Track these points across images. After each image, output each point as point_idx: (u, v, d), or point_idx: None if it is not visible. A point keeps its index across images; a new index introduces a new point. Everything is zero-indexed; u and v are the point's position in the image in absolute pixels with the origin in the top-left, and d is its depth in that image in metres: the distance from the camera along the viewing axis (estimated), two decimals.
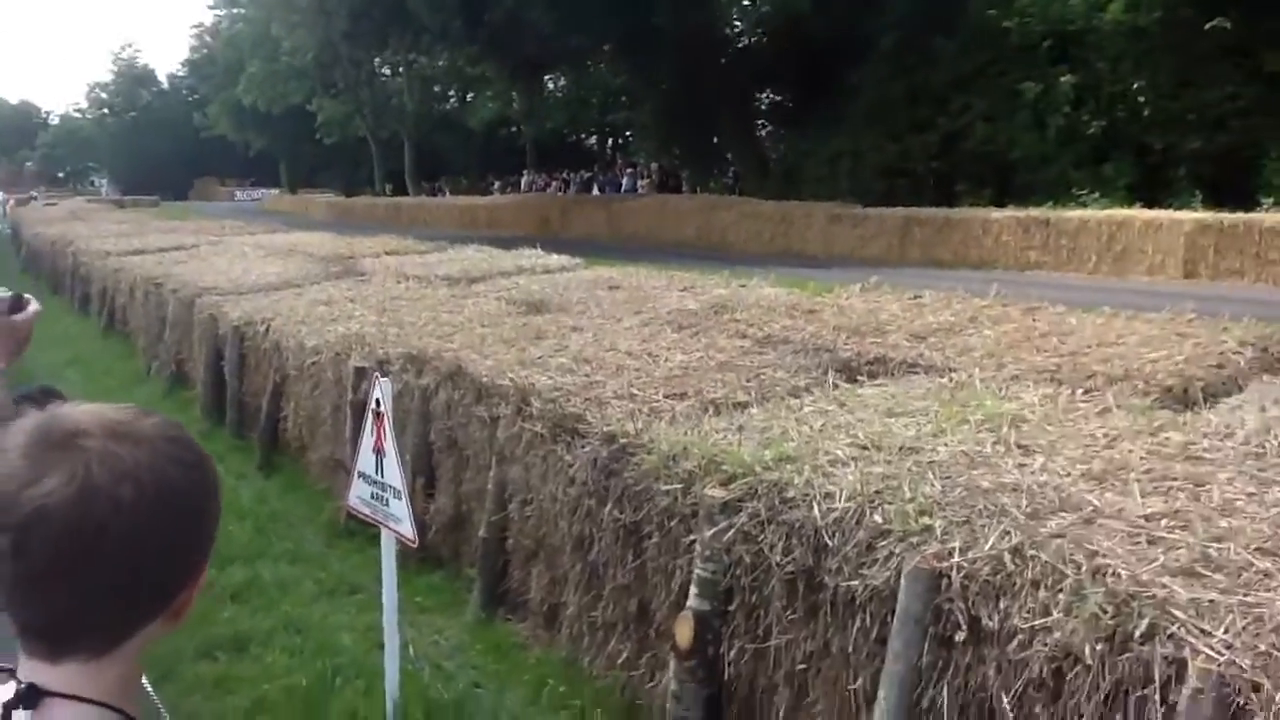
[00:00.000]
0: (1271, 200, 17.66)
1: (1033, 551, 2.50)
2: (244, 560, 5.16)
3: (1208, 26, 19.70)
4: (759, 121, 37.98)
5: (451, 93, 58.08)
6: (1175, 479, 2.92)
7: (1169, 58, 20.90)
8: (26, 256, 22.58)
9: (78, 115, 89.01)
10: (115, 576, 0.97)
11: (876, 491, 2.90)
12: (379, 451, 3.66)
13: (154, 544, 0.99)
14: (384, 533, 3.63)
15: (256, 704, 3.86)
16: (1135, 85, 21.87)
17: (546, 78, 46.51)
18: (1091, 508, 2.72)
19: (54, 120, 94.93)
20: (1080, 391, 3.89)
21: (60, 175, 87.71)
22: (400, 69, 50.52)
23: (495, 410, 4.48)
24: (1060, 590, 2.37)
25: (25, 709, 0.99)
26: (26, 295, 2.05)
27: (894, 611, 2.61)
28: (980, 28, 24.36)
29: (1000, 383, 4.03)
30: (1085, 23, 22.37)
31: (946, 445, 3.24)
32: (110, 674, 1.01)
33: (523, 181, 47.36)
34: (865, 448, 3.26)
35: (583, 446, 3.83)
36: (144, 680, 1.08)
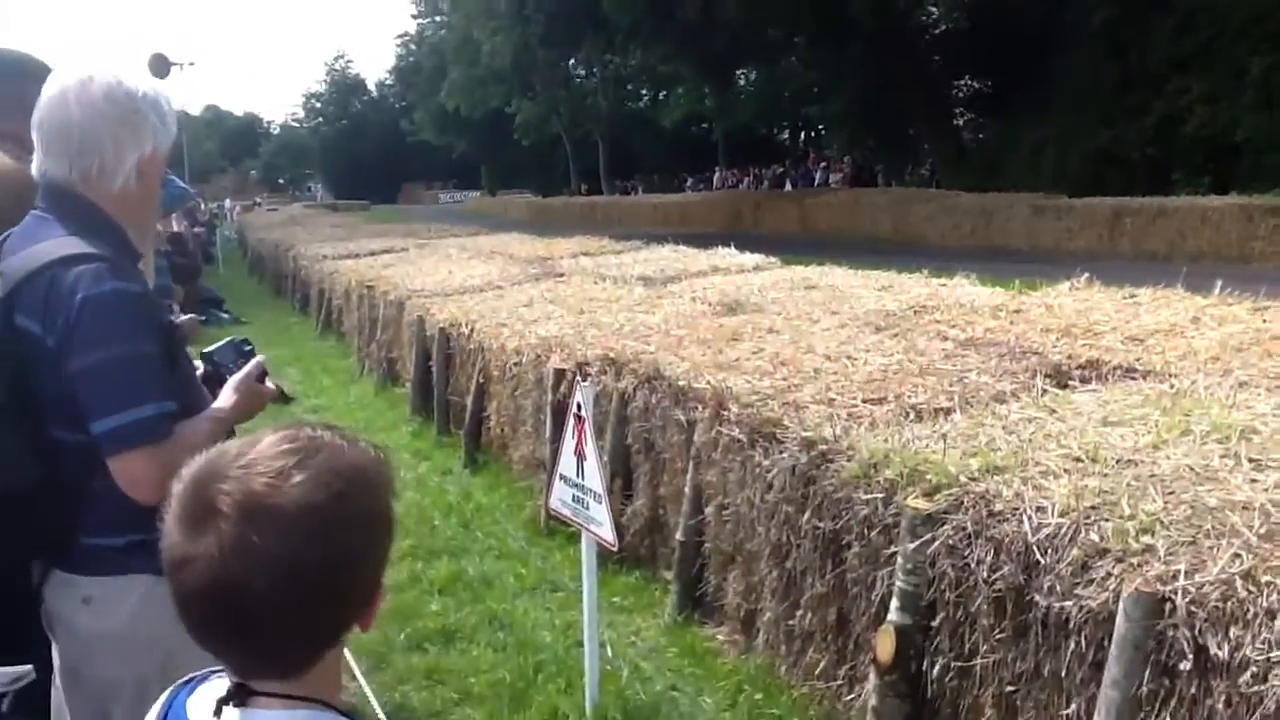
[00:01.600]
0: None
1: (1268, 577, 2.33)
2: (450, 554, 5.38)
3: None
4: (957, 110, 36.82)
5: (644, 91, 58.80)
6: None
7: None
8: (251, 260, 24.20)
9: (295, 125, 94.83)
10: (265, 641, 1.07)
11: (1092, 507, 2.76)
12: (580, 455, 3.74)
13: (297, 615, 1.06)
14: (584, 536, 3.71)
15: (464, 695, 4.01)
16: None
17: (738, 73, 46.45)
18: None
19: (275, 130, 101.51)
20: None
21: (280, 182, 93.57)
22: (594, 70, 51.51)
23: (692, 414, 4.51)
24: None
25: (235, 706, 1.10)
26: (250, 345, 2.32)
27: (1111, 636, 2.48)
28: (1202, 2, 22.75)
29: (1227, 390, 3.76)
30: None
31: (1169, 458, 3.05)
32: (308, 681, 1.11)
33: (715, 178, 47.51)
34: (1079, 459, 3.11)
35: (780, 452, 3.80)
36: (355, 669, 1.16)
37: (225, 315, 15.01)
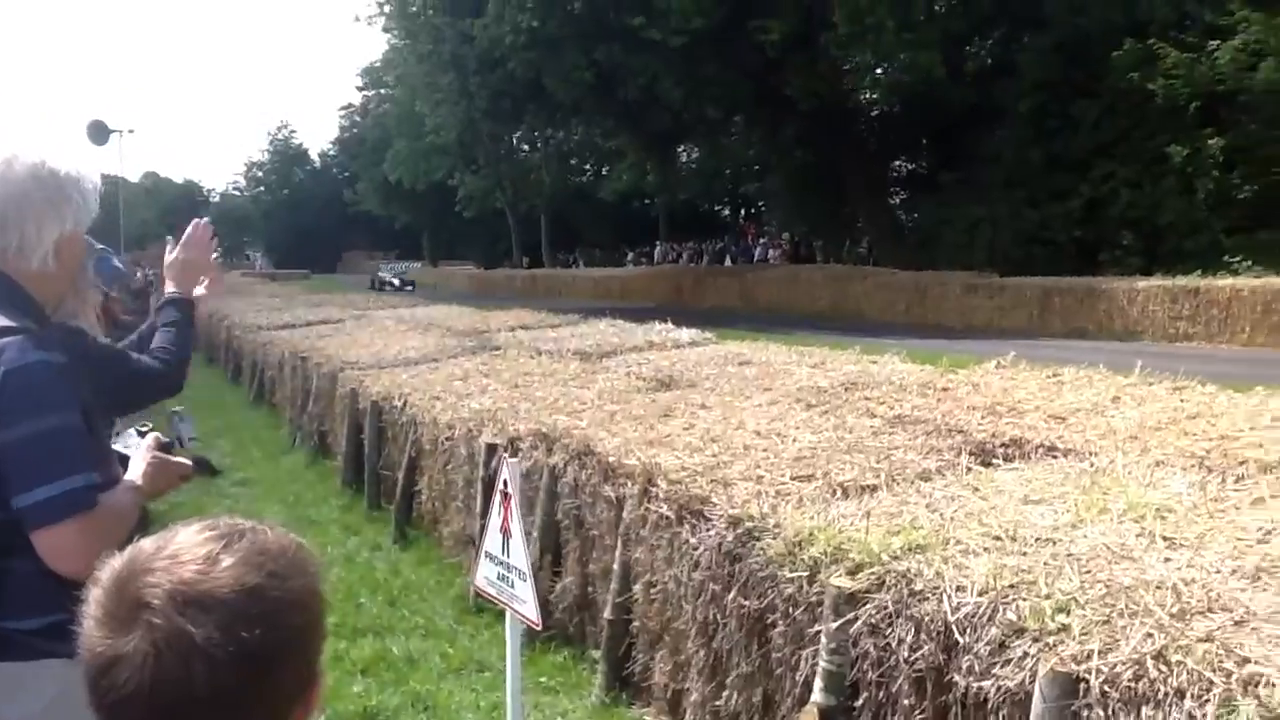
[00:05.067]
0: None
1: (1178, 657, 2.36)
2: (375, 633, 5.27)
3: None
4: (893, 189, 37.73)
5: (587, 166, 59.48)
6: None
7: None
8: None
9: (236, 193, 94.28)
10: None
11: (1011, 586, 2.79)
12: (505, 532, 3.70)
13: (238, 704, 0.97)
14: (508, 614, 3.66)
15: None
16: None
17: (680, 149, 47.20)
18: (1243, 609, 2.56)
19: (215, 198, 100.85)
20: (1232, 480, 3.69)
21: (220, 250, 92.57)
22: (538, 144, 52.02)
23: (621, 491, 4.50)
24: (1208, 701, 2.23)
25: None
26: (147, 427, 2.39)
27: (1028, 715, 2.49)
28: (1123, 91, 23.74)
29: (1144, 469, 3.84)
30: (1235, 84, 21.57)
31: (1086, 537, 3.10)
32: None
33: (656, 252, 48.02)
34: (999, 538, 3.14)
35: (708, 530, 3.80)
36: None
37: None
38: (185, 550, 1.00)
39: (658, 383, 6.75)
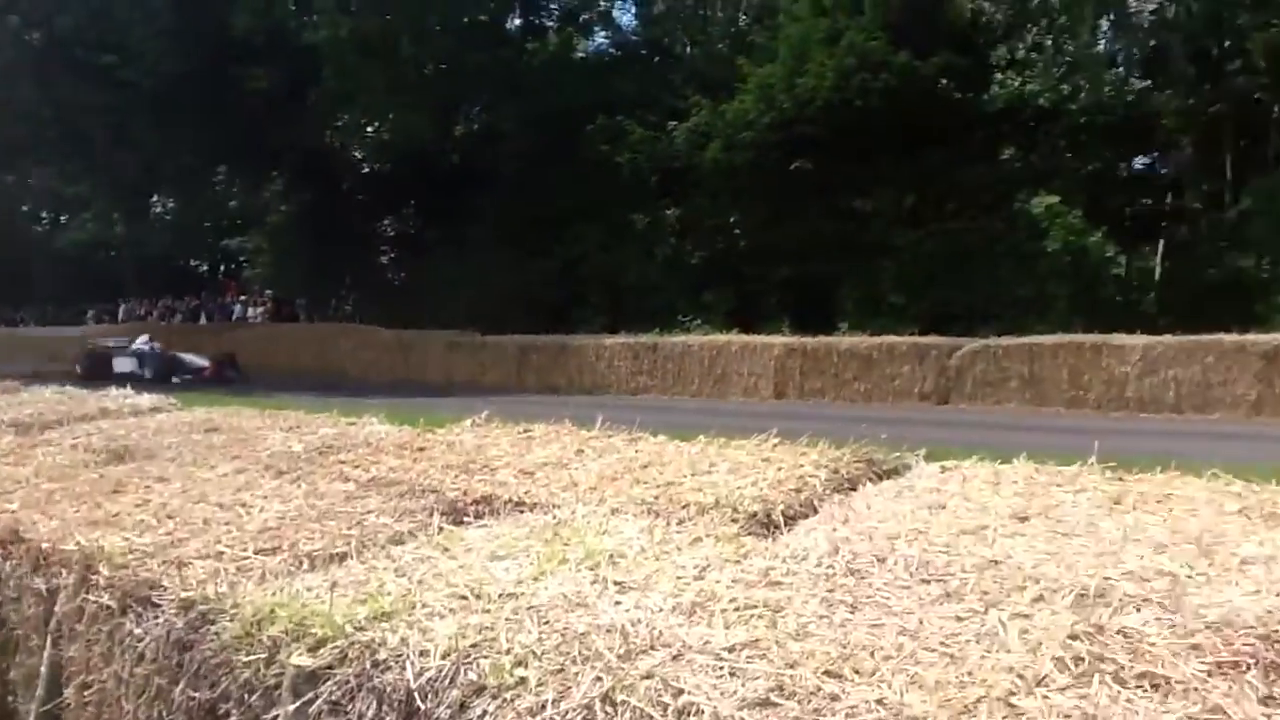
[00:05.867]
0: (847, 325, 19.80)
1: (624, 696, 2.48)
2: None
3: (792, 167, 22.02)
4: (381, 247, 37.96)
5: (43, 214, 53.66)
6: (756, 606, 3.03)
7: (759, 194, 23.20)
8: None
9: None
10: None
11: (473, 645, 2.79)
12: None
13: None
14: None
15: None
16: (731, 219, 24.09)
17: (154, 199, 44.20)
18: (680, 643, 2.75)
19: None
20: (675, 522, 4.01)
21: None
22: None
23: (55, 581, 3.96)
24: None
25: None
26: None
27: None
28: (595, 162, 25.94)
29: (601, 518, 4.07)
30: (689, 160, 24.45)
31: (547, 588, 3.19)
32: None
33: (120, 310, 43.95)
34: (465, 597, 3.15)
35: (155, 618, 3.44)
36: None
37: None
38: None
39: (110, 455, 6.12)
